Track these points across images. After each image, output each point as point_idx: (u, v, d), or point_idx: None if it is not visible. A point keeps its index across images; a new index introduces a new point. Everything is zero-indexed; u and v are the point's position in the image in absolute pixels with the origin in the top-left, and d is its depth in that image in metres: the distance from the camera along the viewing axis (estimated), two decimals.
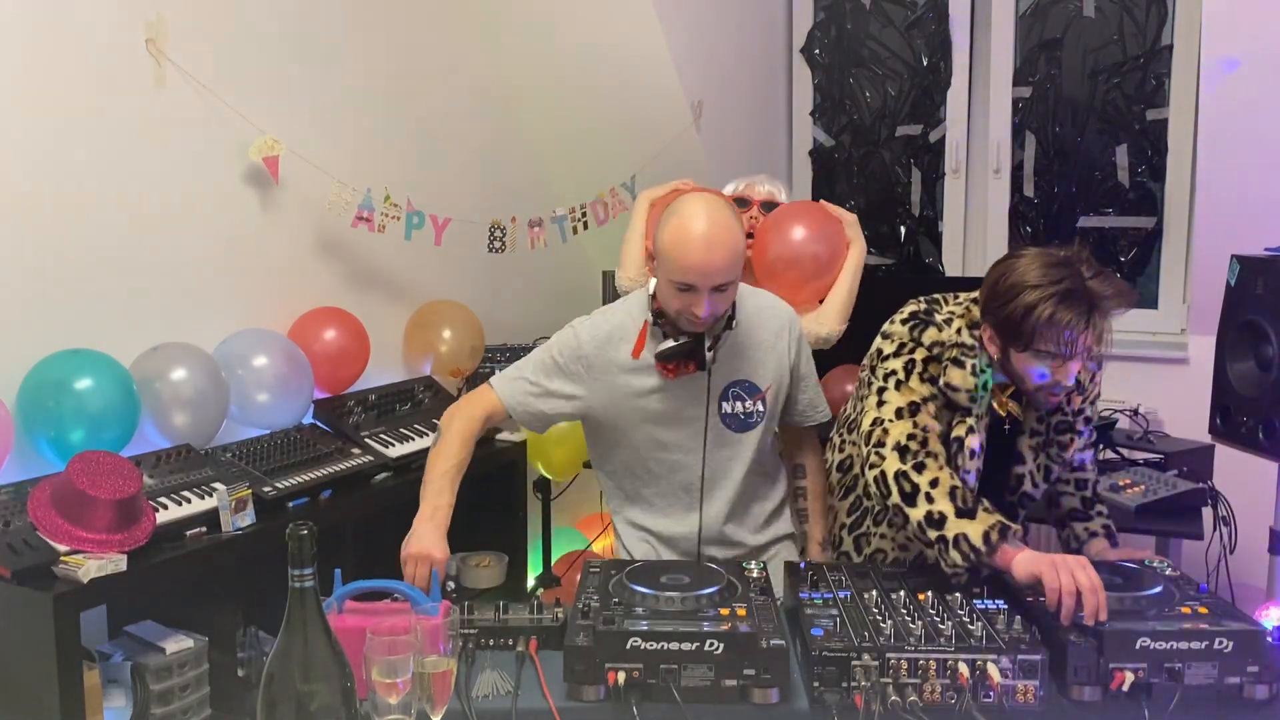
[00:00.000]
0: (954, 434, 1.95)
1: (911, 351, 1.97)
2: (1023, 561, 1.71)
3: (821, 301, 2.81)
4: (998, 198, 3.92)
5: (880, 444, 1.91)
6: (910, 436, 1.89)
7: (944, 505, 1.79)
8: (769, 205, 2.89)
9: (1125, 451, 3.05)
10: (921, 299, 2.07)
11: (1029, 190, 3.90)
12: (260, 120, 2.89)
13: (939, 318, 2.00)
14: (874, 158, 4.15)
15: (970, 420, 1.95)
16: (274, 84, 3.03)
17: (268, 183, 2.98)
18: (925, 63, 3.99)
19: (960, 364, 1.94)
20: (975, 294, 1.98)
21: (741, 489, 2.19)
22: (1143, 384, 3.38)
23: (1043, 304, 1.78)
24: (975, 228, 3.99)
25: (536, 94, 3.92)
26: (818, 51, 4.16)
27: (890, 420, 1.93)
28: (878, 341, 2.06)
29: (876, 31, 4.09)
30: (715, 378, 2.08)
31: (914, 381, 1.95)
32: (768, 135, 4.17)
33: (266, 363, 2.83)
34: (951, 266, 4.03)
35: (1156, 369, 3.48)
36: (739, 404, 2.14)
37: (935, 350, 1.96)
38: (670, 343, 2.02)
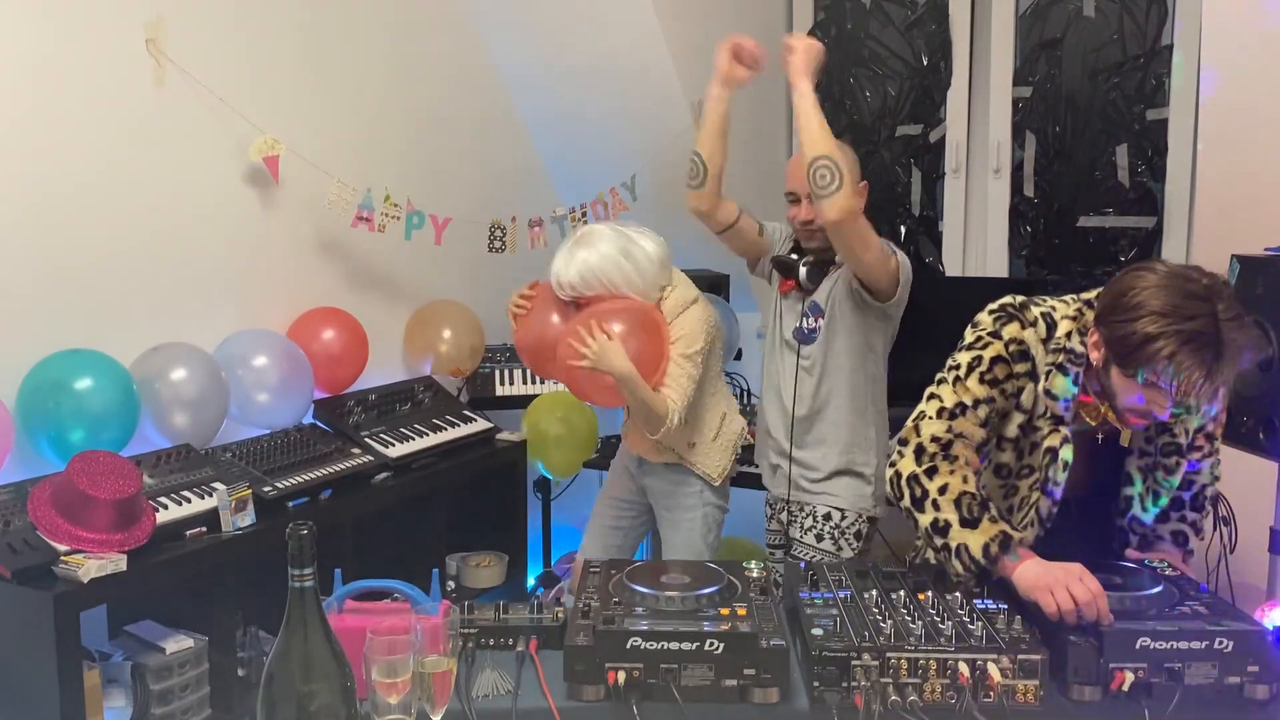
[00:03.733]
0: (1047, 444, 1.84)
1: (984, 347, 1.84)
2: (1022, 580, 1.69)
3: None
4: (998, 198, 3.91)
5: (905, 441, 1.86)
6: (934, 439, 1.82)
7: (949, 513, 1.75)
8: None
9: None
10: (1021, 296, 1.91)
11: (1029, 190, 3.90)
12: (260, 120, 2.89)
13: (1031, 314, 1.84)
14: (874, 158, 4.15)
15: (1065, 430, 1.83)
16: (274, 84, 3.03)
17: (268, 183, 2.98)
18: (925, 63, 3.99)
19: (1065, 371, 1.80)
20: (1092, 294, 1.82)
21: None
22: None
23: (1165, 340, 1.60)
24: (975, 228, 3.99)
25: (537, 94, 3.92)
26: None
27: (929, 418, 1.85)
28: (968, 329, 1.93)
29: (876, 31, 4.09)
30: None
31: (972, 380, 1.83)
32: (768, 135, 4.17)
33: (266, 363, 2.83)
34: (951, 266, 4.03)
35: None
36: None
37: (1012, 348, 1.83)
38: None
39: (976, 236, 3.99)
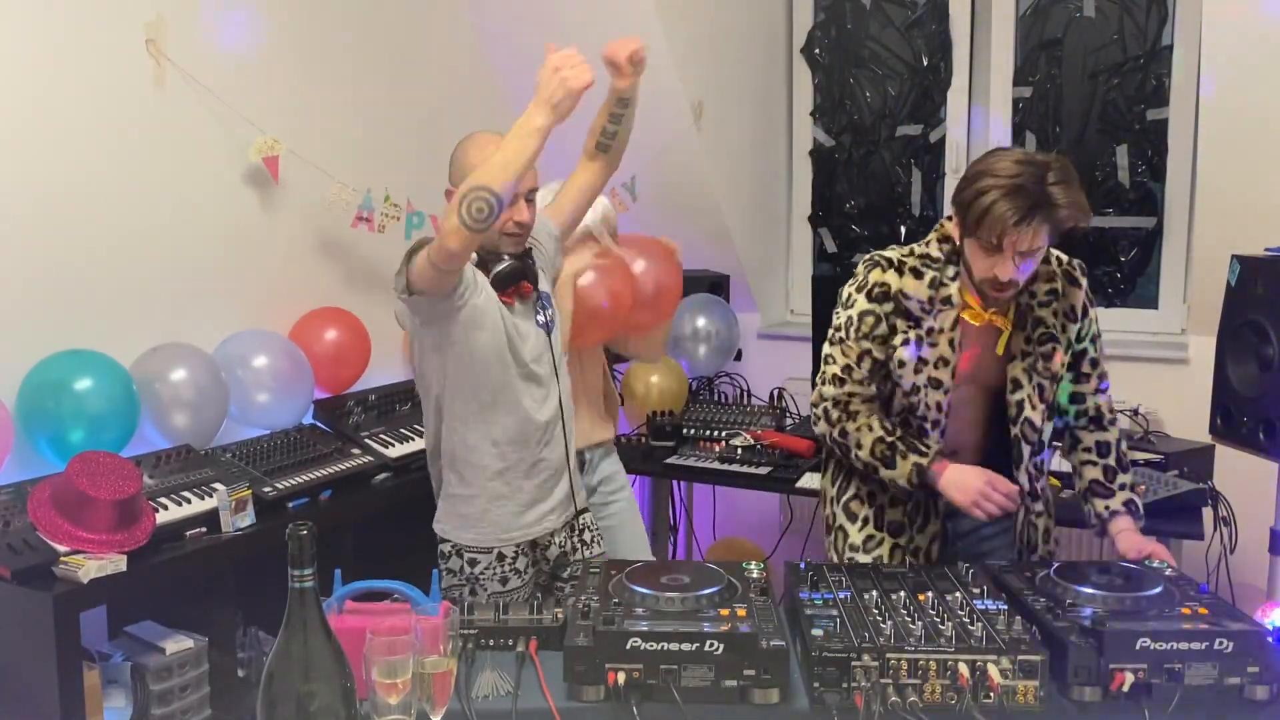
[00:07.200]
0: (899, 355, 2.05)
1: (852, 305, 2.07)
2: (950, 496, 1.99)
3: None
4: None
5: (815, 405, 2.15)
6: (836, 403, 2.09)
7: (870, 459, 2.05)
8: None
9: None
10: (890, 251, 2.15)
11: None
12: (260, 120, 2.89)
13: (891, 260, 2.07)
14: (874, 158, 4.15)
15: (914, 332, 2.03)
16: (274, 84, 3.03)
17: (268, 183, 2.98)
18: (925, 63, 3.99)
19: (919, 274, 2.03)
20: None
21: None
22: (1143, 384, 3.37)
23: (990, 194, 1.83)
24: None
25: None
26: (818, 51, 4.15)
27: (826, 383, 2.12)
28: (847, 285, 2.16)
29: (876, 31, 4.09)
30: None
31: (851, 340, 2.07)
32: (768, 135, 4.17)
33: (266, 363, 2.83)
34: None
35: (1156, 369, 3.47)
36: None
37: (875, 291, 2.04)
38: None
39: None
